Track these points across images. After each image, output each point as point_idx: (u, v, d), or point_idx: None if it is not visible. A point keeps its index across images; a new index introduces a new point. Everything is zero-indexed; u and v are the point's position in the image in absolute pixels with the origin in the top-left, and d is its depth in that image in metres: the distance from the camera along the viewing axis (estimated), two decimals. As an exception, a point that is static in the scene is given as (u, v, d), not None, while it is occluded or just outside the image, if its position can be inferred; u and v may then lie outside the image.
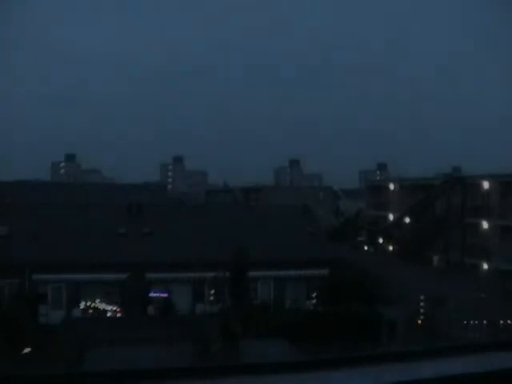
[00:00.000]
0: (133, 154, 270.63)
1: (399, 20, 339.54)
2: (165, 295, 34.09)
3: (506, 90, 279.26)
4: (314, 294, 34.55)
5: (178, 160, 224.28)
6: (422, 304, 28.86)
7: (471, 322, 26.77)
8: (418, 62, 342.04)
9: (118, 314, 32.53)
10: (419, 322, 28.36)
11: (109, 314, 32.40)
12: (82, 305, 33.05)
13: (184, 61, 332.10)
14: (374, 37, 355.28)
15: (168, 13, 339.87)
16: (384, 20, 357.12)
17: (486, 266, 46.60)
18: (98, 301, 33.19)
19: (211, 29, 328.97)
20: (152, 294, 34.10)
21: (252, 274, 31.83)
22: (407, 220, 55.49)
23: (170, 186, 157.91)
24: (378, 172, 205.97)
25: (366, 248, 62.06)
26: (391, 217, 60.46)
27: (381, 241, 59.94)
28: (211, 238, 35.86)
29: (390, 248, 56.97)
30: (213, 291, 32.89)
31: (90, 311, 32.70)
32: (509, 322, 25.35)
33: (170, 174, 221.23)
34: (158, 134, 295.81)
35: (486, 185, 48.31)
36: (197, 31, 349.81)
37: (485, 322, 26.33)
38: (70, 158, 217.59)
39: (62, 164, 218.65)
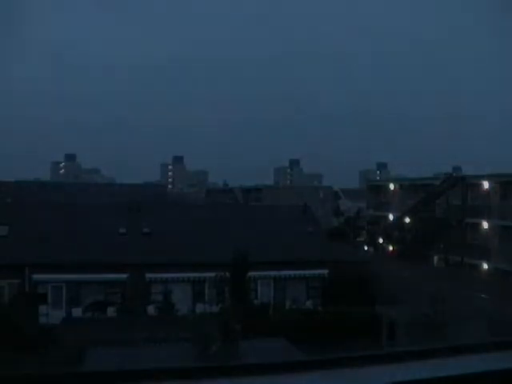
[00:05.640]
0: (133, 154, 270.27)
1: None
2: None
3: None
4: (314, 294, 34.55)
5: (178, 160, 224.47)
6: (421, 304, 28.86)
7: (471, 322, 26.77)
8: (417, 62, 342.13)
9: (118, 314, 32.49)
10: (419, 321, 28.35)
11: (109, 314, 32.38)
12: (82, 305, 33.03)
13: (186, 62, 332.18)
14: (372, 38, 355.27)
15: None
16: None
17: (486, 266, 46.60)
18: (97, 301, 33.16)
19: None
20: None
21: (252, 273, 31.83)
22: (407, 220, 55.50)
23: (170, 186, 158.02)
24: (378, 172, 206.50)
25: (365, 248, 62.06)
26: (391, 217, 60.47)
27: (381, 241, 59.96)
28: (211, 238, 35.88)
29: (390, 248, 56.98)
30: (213, 291, 32.87)
31: (90, 311, 32.68)
32: (509, 321, 25.32)
33: (170, 173, 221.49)
34: (159, 134, 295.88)
35: (486, 185, 48.31)
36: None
37: (485, 321, 26.33)
38: (70, 157, 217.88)
39: (62, 164, 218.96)
